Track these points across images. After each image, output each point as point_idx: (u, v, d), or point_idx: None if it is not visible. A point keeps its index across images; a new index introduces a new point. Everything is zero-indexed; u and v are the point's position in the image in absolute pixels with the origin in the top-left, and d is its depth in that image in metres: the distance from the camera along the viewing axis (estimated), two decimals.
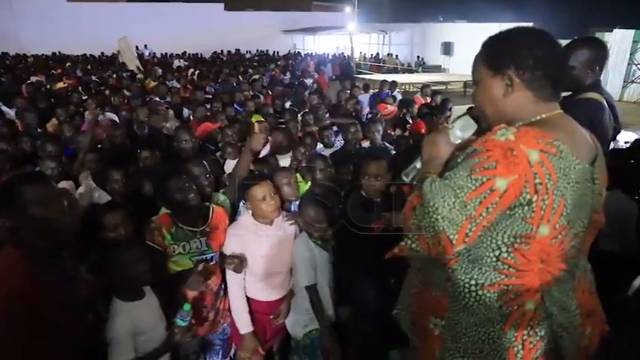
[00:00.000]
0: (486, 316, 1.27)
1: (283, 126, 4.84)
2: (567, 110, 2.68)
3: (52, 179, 3.01)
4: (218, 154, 4.21)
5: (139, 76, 12.50)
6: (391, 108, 7.00)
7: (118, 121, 5.63)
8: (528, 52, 1.24)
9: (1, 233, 1.72)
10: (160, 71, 13.08)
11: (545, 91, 1.27)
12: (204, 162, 3.10)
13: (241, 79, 11.53)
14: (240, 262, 2.44)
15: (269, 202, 2.48)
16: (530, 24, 18.32)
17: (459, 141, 1.40)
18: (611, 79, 15.13)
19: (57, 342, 1.68)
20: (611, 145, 3.18)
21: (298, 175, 3.29)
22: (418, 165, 1.48)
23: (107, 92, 8.71)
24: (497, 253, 1.22)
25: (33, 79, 10.64)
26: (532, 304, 1.23)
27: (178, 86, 10.21)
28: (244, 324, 2.50)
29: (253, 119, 5.94)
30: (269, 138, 3.89)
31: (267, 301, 2.60)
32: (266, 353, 2.72)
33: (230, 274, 2.51)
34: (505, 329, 1.25)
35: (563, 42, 2.82)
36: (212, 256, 2.56)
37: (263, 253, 2.52)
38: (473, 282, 1.27)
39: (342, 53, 24.13)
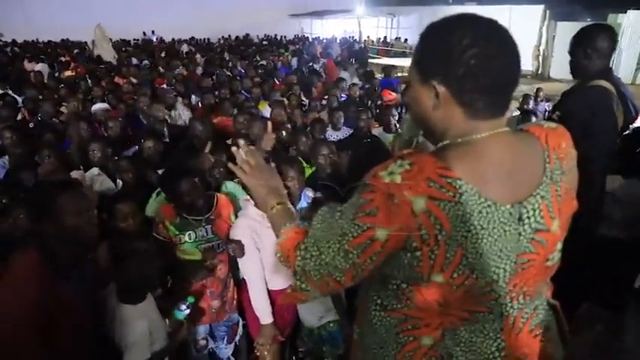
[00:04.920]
0: (384, 339, 1.18)
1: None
2: (572, 98, 2.60)
3: (56, 169, 3.06)
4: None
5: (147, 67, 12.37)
6: (394, 95, 6.90)
7: (109, 109, 5.62)
8: (458, 57, 0.95)
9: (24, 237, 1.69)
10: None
11: (479, 107, 1.00)
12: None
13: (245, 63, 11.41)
14: (239, 247, 2.43)
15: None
16: (541, 7, 17.91)
17: (409, 145, 1.31)
18: (625, 61, 14.81)
19: (75, 353, 1.67)
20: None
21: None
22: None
23: (117, 79, 8.73)
24: (397, 281, 1.10)
25: (36, 67, 10.61)
26: (429, 340, 1.11)
27: (184, 72, 10.05)
28: (266, 314, 2.49)
29: (260, 106, 5.92)
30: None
31: (281, 289, 2.57)
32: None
33: (250, 266, 2.49)
34: (398, 358, 1.15)
35: (577, 25, 2.75)
36: (219, 243, 2.60)
37: (273, 242, 2.50)
38: (379, 301, 1.17)
39: (352, 37, 23.88)
